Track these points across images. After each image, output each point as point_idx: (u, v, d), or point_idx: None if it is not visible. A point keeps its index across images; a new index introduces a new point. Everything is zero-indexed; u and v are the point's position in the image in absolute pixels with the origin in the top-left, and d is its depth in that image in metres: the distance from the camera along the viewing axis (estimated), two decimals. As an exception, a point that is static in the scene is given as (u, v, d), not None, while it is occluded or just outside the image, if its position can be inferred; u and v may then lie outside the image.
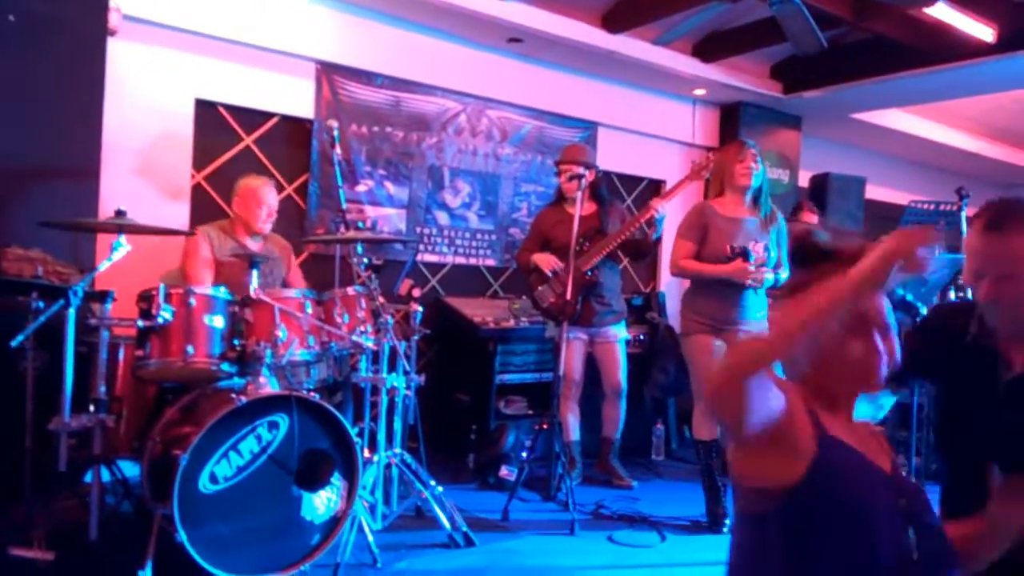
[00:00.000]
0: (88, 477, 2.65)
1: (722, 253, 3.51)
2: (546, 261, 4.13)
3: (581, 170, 3.93)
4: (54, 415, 2.54)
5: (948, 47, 4.76)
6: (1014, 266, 1.49)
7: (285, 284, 3.67)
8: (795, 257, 1.34)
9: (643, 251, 4.21)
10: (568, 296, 3.75)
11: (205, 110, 4.10)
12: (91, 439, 2.62)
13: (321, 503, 2.77)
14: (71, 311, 2.51)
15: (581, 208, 3.89)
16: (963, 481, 1.63)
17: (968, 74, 5.04)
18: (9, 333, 2.49)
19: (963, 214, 4.04)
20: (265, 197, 3.58)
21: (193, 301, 2.73)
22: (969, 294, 4.20)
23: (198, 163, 4.10)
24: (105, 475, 2.67)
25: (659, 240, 4.17)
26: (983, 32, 4.54)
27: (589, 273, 4.03)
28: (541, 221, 4.34)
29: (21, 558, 2.43)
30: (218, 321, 2.78)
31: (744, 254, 3.46)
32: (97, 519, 2.58)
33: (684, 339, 3.70)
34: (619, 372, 4.23)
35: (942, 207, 4.15)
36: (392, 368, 3.31)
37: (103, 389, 2.62)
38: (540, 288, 4.15)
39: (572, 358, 4.11)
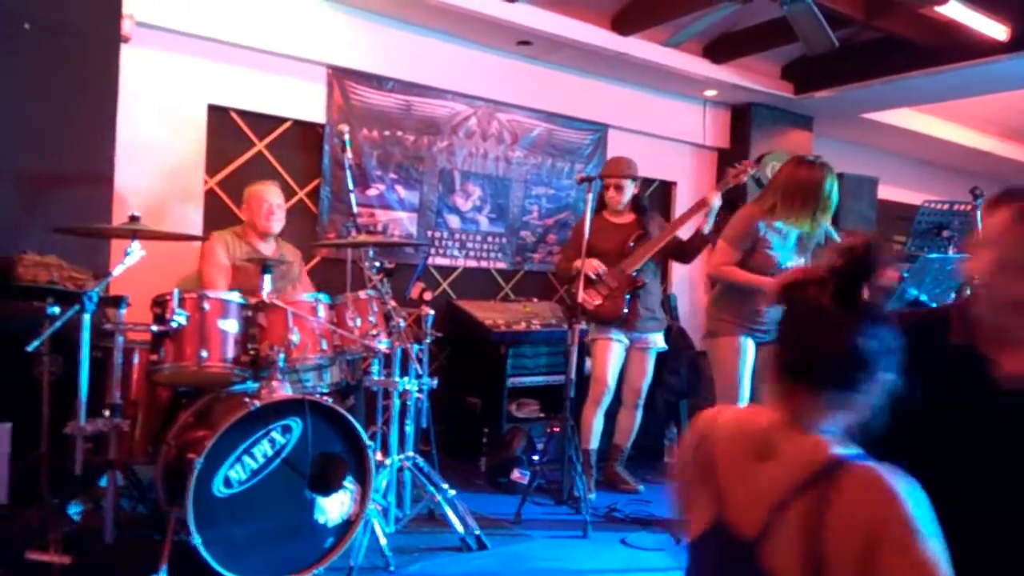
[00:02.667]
0: (103, 481, 2.68)
1: (766, 269, 3.41)
2: (589, 265, 4.05)
3: (626, 182, 4.15)
4: (70, 420, 2.56)
5: (961, 46, 4.73)
6: None
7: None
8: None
9: (690, 248, 4.24)
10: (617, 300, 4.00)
11: (218, 115, 4.12)
12: (106, 443, 2.65)
13: (334, 507, 2.78)
14: (86, 316, 2.53)
15: (621, 218, 4.23)
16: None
17: (981, 73, 5.00)
18: (25, 338, 2.50)
19: (978, 213, 4.01)
20: (266, 195, 3.64)
21: (207, 305, 2.74)
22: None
23: (211, 168, 4.12)
24: (120, 479, 2.69)
25: (710, 235, 4.09)
26: (996, 31, 4.50)
27: (636, 274, 4.07)
28: (583, 229, 4.15)
29: (37, 562, 2.44)
30: (232, 325, 2.79)
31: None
32: (112, 523, 2.60)
33: (712, 340, 3.60)
34: (644, 380, 4.21)
35: (956, 207, 4.11)
36: (404, 372, 3.32)
37: (118, 394, 2.64)
38: (586, 291, 4.03)
39: (609, 361, 4.09)
